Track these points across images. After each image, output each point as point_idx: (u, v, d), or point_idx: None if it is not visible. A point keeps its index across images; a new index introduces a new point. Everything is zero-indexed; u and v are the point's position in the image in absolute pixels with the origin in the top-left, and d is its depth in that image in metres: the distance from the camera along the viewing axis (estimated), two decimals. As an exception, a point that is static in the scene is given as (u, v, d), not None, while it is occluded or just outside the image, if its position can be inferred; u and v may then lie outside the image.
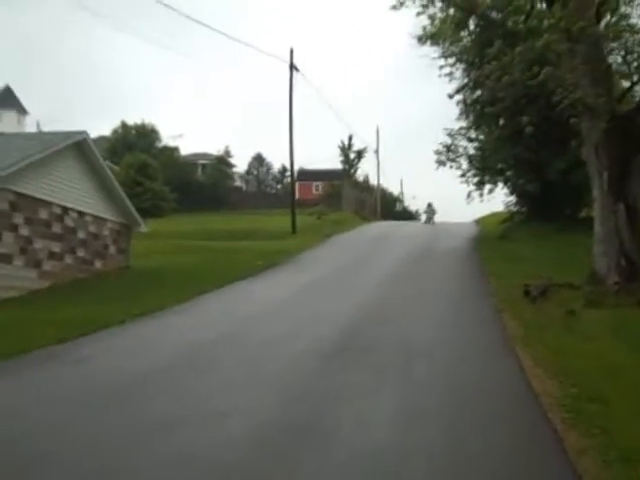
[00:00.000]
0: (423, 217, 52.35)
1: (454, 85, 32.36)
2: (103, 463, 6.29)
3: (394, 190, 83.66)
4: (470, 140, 35.77)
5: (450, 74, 31.78)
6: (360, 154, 70.65)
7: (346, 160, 70.49)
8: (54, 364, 10.68)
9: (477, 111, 32.88)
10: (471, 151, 35.80)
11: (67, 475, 6.05)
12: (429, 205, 51.34)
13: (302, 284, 20.15)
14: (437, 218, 49.76)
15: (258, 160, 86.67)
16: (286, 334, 12.67)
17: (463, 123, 35.09)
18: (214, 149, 72.81)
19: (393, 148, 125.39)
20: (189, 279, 21.35)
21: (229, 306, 16.70)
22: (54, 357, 11.15)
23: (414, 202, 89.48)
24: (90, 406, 8.24)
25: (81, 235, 23.07)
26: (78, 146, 22.79)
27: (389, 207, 72.63)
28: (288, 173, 77.29)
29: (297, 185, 54.33)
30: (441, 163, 35.72)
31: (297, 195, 49.96)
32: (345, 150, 70.35)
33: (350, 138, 70.06)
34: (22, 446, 6.79)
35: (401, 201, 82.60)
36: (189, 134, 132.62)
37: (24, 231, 19.98)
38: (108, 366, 10.41)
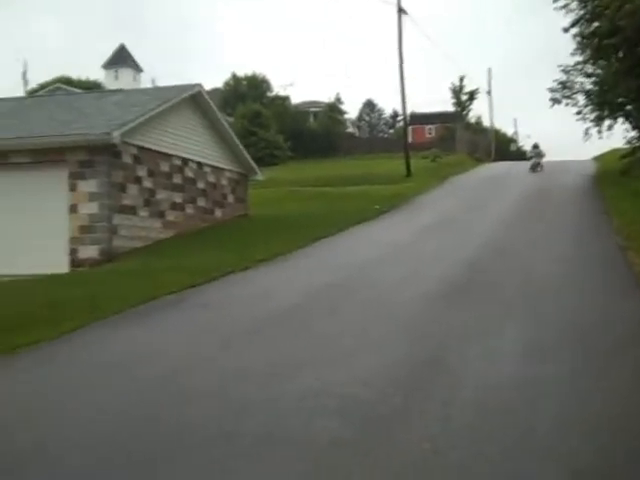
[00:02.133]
0: (531, 161, 40.72)
1: (569, 18, 31.24)
2: (245, 394, 6.55)
3: (508, 130, 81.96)
4: (587, 75, 34.56)
5: (565, 6, 30.67)
6: (472, 95, 69.22)
7: (458, 102, 69.22)
8: (186, 308, 11.11)
9: (594, 44, 31.65)
10: (588, 86, 34.63)
11: (219, 404, 6.30)
12: (535, 147, 42.70)
13: (421, 226, 20.14)
14: (552, 157, 45.63)
15: (369, 106, 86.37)
16: (409, 275, 12.76)
17: (579, 58, 33.90)
18: (325, 97, 72.89)
19: (505, 88, 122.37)
20: (307, 225, 21.62)
21: (350, 250, 16.88)
22: (185, 301, 11.58)
23: (529, 142, 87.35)
24: (227, 344, 8.56)
25: (201, 185, 23.65)
26: (194, 98, 23.25)
27: (503, 148, 71.18)
28: (399, 118, 76.86)
29: (409, 129, 53.83)
30: (556, 101, 34.74)
31: (410, 139, 49.49)
32: (457, 92, 69.06)
33: (461, 79, 68.73)
34: (171, 382, 7.13)
35: (515, 141, 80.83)
36: (299, 83, 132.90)
37: (147, 183, 20.61)
38: (237, 309, 10.75)
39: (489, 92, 67.05)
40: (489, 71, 69.67)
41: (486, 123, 70.65)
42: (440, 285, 11.59)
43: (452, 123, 63.39)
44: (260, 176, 27.69)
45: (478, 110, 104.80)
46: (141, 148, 20.24)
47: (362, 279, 12.76)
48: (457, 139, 58.06)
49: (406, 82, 42.61)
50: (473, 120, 70.88)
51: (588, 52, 32.91)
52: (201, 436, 5.52)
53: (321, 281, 12.60)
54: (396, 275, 12.87)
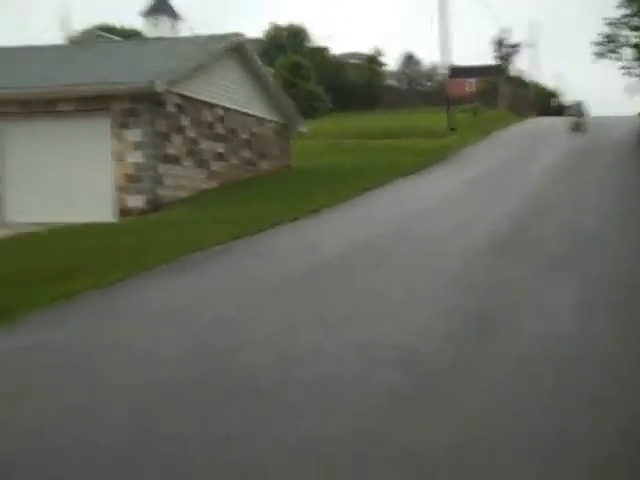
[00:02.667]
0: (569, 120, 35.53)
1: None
2: (295, 344, 6.48)
3: (549, 85, 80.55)
4: (635, 29, 33.69)
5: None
6: (514, 49, 68.12)
7: (500, 55, 68.14)
8: (235, 259, 11.08)
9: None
10: (634, 40, 33.76)
11: (269, 354, 6.24)
12: (578, 104, 37.71)
13: (465, 180, 19.92)
14: (596, 113, 41.84)
15: (409, 58, 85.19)
16: (455, 228, 12.61)
17: (626, 10, 32.99)
18: (365, 49, 72.09)
19: (549, 41, 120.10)
20: (351, 177, 21.45)
21: (395, 203, 16.75)
22: (233, 252, 11.55)
23: (570, 98, 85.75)
24: (276, 295, 8.51)
25: (244, 136, 23.51)
26: (237, 48, 23.02)
27: (545, 103, 70.02)
28: (439, 71, 75.99)
29: (450, 82, 53.07)
30: (600, 55, 34.01)
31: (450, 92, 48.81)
32: (499, 45, 67.96)
33: (504, 32, 67.57)
34: (221, 331, 7.09)
35: (557, 96, 79.45)
36: (339, 34, 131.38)
37: (191, 133, 20.51)
38: (286, 260, 10.68)
39: (532, 45, 65.95)
40: (533, 23, 68.55)
41: (528, 77, 69.57)
42: (488, 238, 11.45)
43: (493, 77, 62.44)
44: (303, 128, 27.50)
45: (520, 64, 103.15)
46: (184, 97, 20.11)
47: (409, 231, 12.65)
48: (499, 93, 57.20)
49: (447, 34, 41.90)
50: (515, 74, 69.78)
51: (635, 5, 32.11)
52: (252, 385, 5.46)
53: (369, 233, 12.49)
54: (443, 228, 12.74)
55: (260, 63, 24.44)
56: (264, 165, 24.62)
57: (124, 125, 18.69)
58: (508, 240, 11.33)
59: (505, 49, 68.47)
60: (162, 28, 67.18)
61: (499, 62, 68.68)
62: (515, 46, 68.34)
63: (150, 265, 10.33)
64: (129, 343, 6.83)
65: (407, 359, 5.96)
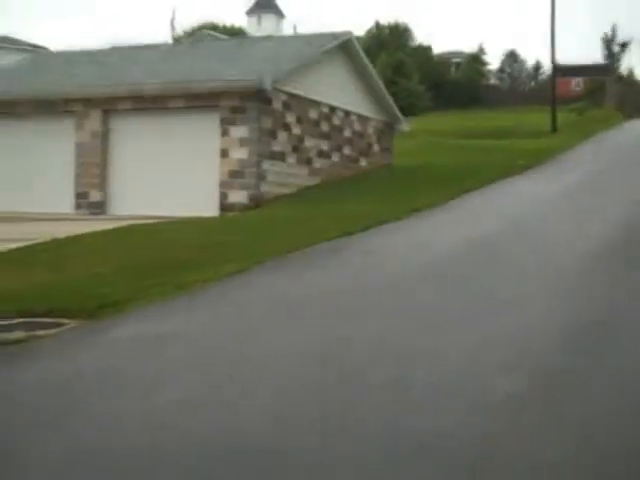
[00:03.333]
0: None
1: None
2: (411, 342, 6.57)
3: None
4: None
5: None
6: (625, 46, 66.23)
7: (609, 53, 66.36)
8: (346, 255, 11.26)
9: None
10: None
11: (383, 350, 6.37)
12: None
13: (568, 183, 19.63)
14: None
15: (511, 57, 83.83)
16: (561, 232, 12.48)
17: None
18: (467, 47, 71.46)
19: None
20: (452, 177, 21.38)
21: (498, 204, 16.66)
22: (344, 249, 11.72)
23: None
24: (393, 291, 8.62)
25: (347, 134, 23.72)
26: (344, 46, 23.23)
27: (655, 103, 68.00)
28: (543, 69, 74.56)
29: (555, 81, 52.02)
30: None
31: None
32: (608, 42, 66.19)
33: (614, 29, 65.81)
34: (338, 325, 7.27)
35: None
36: (441, 32, 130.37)
37: (296, 130, 20.82)
38: (395, 256, 10.81)
39: (643, 42, 63.96)
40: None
41: (638, 76, 67.68)
42: (597, 244, 11.28)
43: (601, 76, 60.92)
44: (405, 126, 27.56)
45: (631, 62, 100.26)
46: (291, 95, 20.43)
47: (516, 234, 12.57)
48: (607, 92, 55.87)
49: (554, 31, 41.14)
50: (625, 72, 67.92)
51: None
52: (367, 382, 5.52)
53: (476, 234, 12.45)
54: (550, 231, 12.63)
55: (367, 62, 24.58)
56: (366, 163, 24.77)
57: (231, 121, 19.11)
58: (619, 247, 11.20)
59: (615, 46, 66.63)
60: (266, 26, 67.96)
61: (608, 60, 66.88)
62: (625, 44, 66.47)
63: (261, 259, 10.58)
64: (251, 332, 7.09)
65: (526, 361, 5.99)
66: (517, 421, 4.73)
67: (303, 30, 63.78)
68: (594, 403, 5.04)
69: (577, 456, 4.17)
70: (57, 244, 12.90)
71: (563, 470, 3.99)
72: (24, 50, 35.95)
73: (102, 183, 20.43)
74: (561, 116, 41.45)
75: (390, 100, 26.09)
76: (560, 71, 64.25)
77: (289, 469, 4.09)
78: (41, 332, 7.52)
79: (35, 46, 38.01)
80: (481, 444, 4.36)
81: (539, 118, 41.49)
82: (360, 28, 63.25)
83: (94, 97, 20.34)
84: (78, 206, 20.41)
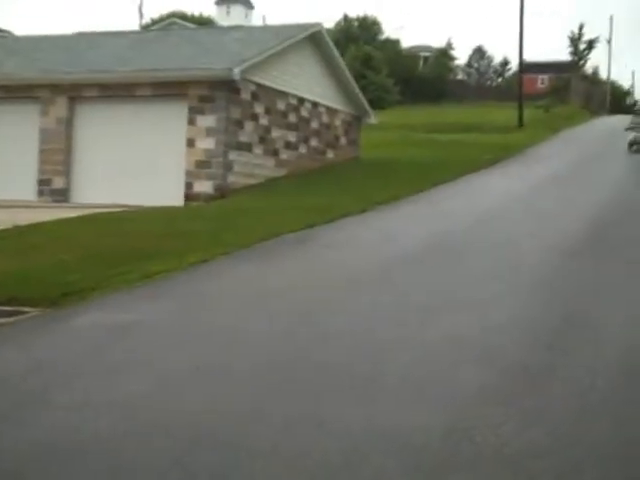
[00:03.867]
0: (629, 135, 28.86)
1: None
2: (380, 335, 6.55)
3: (625, 83, 79.17)
4: None
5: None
6: (591, 44, 66.79)
7: (575, 51, 66.92)
8: (309, 247, 11.23)
9: None
10: None
11: (355, 344, 6.35)
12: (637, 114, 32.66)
13: (535, 178, 19.82)
14: None
15: (479, 52, 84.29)
16: (529, 228, 12.54)
17: None
18: (435, 42, 71.68)
19: (626, 38, 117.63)
20: (419, 171, 21.47)
21: (465, 198, 16.74)
22: (307, 241, 11.71)
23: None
24: (354, 284, 8.60)
25: (314, 125, 23.66)
26: (313, 38, 23.15)
27: (618, 101, 68.82)
28: (509, 66, 75.05)
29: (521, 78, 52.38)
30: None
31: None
32: (575, 40, 66.72)
33: (581, 28, 66.34)
34: (305, 320, 7.25)
35: (631, 94, 78.00)
36: (410, 26, 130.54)
37: (264, 121, 20.72)
38: (360, 250, 10.81)
39: (609, 41, 64.71)
40: (611, 18, 67.34)
41: (603, 74, 68.45)
42: (563, 239, 11.37)
43: (567, 73, 61.48)
44: (373, 119, 27.55)
45: (595, 60, 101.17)
46: (259, 85, 20.32)
47: (482, 227, 12.63)
48: (572, 90, 56.37)
49: (522, 28, 41.42)
50: (590, 71, 68.62)
51: None
52: (343, 375, 5.51)
53: (441, 228, 12.51)
54: (516, 226, 12.71)
55: (336, 54, 24.53)
56: (333, 155, 24.74)
57: (199, 111, 18.97)
58: (586, 242, 11.30)
59: (581, 45, 67.18)
60: (235, 16, 67.64)
61: (574, 58, 67.43)
62: (591, 42, 67.07)
63: (225, 250, 10.53)
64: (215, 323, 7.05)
65: (496, 356, 6.00)
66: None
67: (272, 22, 63.63)
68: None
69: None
70: (19, 232, 12.72)
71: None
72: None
73: (66, 170, 20.17)
74: (527, 112, 41.78)
75: (359, 93, 26.08)
76: (527, 68, 64.91)
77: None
78: (0, 320, 7.42)
79: (-1, 30, 37.38)
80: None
81: (506, 114, 41.78)
82: (329, 21, 63.31)
83: (60, 83, 20.05)
84: (40, 193, 20.15)
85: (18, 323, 7.39)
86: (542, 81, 67.52)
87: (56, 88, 20.11)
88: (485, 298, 7.91)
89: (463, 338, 6.39)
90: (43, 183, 20.20)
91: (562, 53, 67.83)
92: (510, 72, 74.52)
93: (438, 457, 4.08)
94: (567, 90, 56.64)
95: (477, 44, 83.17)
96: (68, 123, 20.20)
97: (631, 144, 27.75)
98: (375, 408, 4.82)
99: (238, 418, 4.68)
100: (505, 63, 79.96)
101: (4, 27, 38.84)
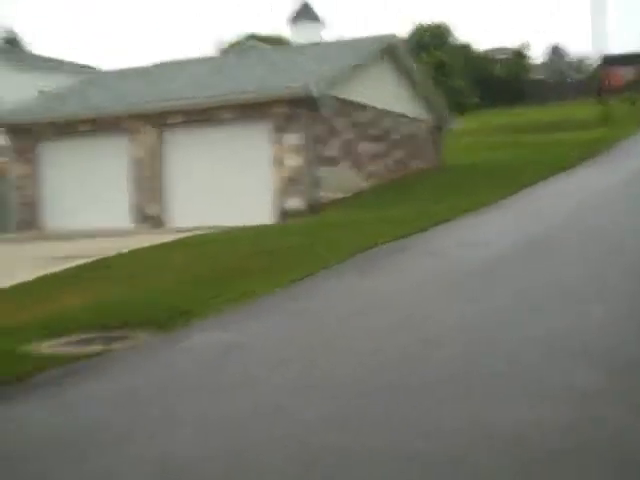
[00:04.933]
0: None
1: None
2: (482, 338, 6.56)
3: None
4: None
5: None
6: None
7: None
8: (409, 256, 11.28)
9: None
10: None
11: (461, 348, 6.39)
12: None
13: (628, 172, 19.37)
14: None
15: (556, 50, 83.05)
16: (628, 223, 12.34)
17: None
18: (511, 43, 70.88)
19: None
20: (506, 174, 21.27)
21: (558, 198, 16.51)
22: (405, 250, 11.76)
23: None
24: (458, 291, 8.62)
25: (397, 136, 23.73)
26: (389, 49, 23.27)
27: None
28: (589, 61, 73.60)
29: (603, 71, 51.40)
30: None
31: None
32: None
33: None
34: (414, 328, 7.29)
35: None
36: (485, 29, 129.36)
37: (347, 135, 20.88)
38: (458, 256, 10.79)
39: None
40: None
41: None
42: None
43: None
44: (455, 125, 27.46)
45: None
46: (339, 100, 20.49)
47: (578, 229, 12.40)
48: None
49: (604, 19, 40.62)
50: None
51: None
52: (449, 374, 5.56)
53: (535, 230, 12.36)
54: (615, 224, 12.48)
55: (412, 63, 24.58)
56: (416, 164, 24.74)
57: (282, 130, 19.25)
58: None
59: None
60: (308, 33, 68.18)
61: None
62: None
63: (326, 264, 10.64)
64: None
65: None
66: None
67: (343, 36, 63.91)
68: None
69: None
70: (122, 259, 13.11)
71: None
72: (72, 71, 36.44)
73: (158, 196, 20.72)
74: (612, 107, 40.90)
75: (439, 99, 26.05)
76: (609, 60, 63.54)
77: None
78: (116, 345, 7.67)
79: (85, 66, 38.57)
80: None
81: (589, 110, 41.03)
82: (400, 30, 63.21)
83: (146, 113, 20.67)
84: (135, 220, 20.73)
85: (131, 348, 7.62)
86: (626, 74, 65.99)
87: (143, 118, 20.71)
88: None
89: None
90: (137, 210, 20.78)
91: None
92: (590, 68, 73.14)
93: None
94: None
95: (554, 42, 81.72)
96: (156, 151, 20.76)
97: None
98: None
99: (351, 444, 4.75)
100: (584, 59, 78.56)
101: (91, 64, 40.06)
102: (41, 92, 27.39)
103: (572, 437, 4.27)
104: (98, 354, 7.31)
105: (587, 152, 25.22)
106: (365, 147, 21.73)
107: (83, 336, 8.05)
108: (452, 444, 4.31)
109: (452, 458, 4.12)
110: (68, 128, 21.75)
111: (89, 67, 38.33)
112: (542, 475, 3.86)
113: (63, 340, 7.93)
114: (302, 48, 28.60)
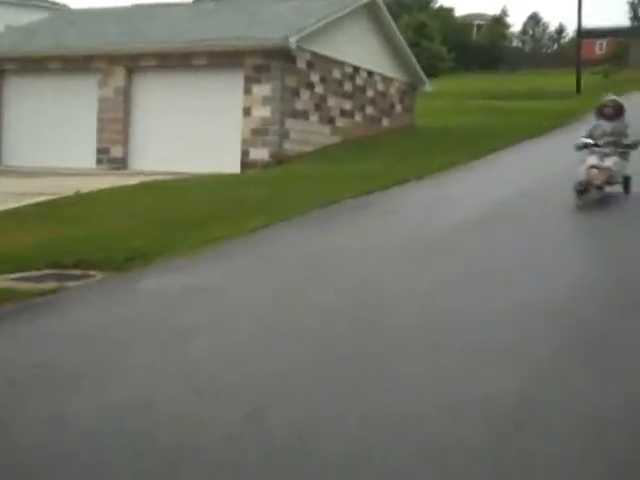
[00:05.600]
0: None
1: None
2: (447, 304, 6.54)
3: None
4: None
5: None
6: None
7: (635, 16, 65.39)
8: (370, 213, 11.27)
9: None
10: None
11: (419, 312, 6.41)
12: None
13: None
14: None
15: (534, 19, 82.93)
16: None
17: None
18: (489, 9, 70.65)
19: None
20: (475, 138, 21.20)
21: (523, 164, 16.55)
22: (365, 207, 11.74)
23: None
24: (418, 252, 8.59)
25: (370, 94, 23.57)
26: (368, 6, 23.00)
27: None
28: (565, 32, 73.69)
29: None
30: None
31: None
32: (635, 5, 65.18)
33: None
34: (371, 284, 7.31)
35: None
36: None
37: (319, 89, 20.71)
38: (422, 216, 10.79)
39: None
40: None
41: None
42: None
43: (626, 38, 60.07)
44: (428, 87, 27.33)
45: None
46: (315, 54, 20.29)
47: (545, 193, 12.32)
48: (631, 56, 55.11)
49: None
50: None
51: None
52: (407, 345, 5.43)
53: (502, 194, 12.26)
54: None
55: (391, 22, 24.36)
56: (387, 123, 24.64)
57: (255, 80, 19.04)
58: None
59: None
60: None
61: (635, 23, 65.75)
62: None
63: (286, 215, 10.62)
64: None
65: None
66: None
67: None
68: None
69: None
70: (82, 198, 12.97)
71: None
72: (44, 7, 35.67)
73: (124, 139, 20.46)
74: (585, 79, 40.97)
75: (414, 61, 25.87)
76: (584, 33, 63.47)
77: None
78: (70, 283, 7.61)
79: (54, 3, 37.73)
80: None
81: (563, 80, 41.07)
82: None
83: (118, 54, 20.30)
84: (99, 161, 20.47)
85: (87, 286, 7.57)
86: (600, 47, 66.12)
87: (114, 59, 20.35)
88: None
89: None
90: (102, 152, 20.51)
91: (622, 19, 66.21)
92: (566, 39, 73.24)
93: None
94: (626, 56, 55.40)
95: (532, 11, 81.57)
96: (126, 93, 20.45)
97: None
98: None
99: (306, 379, 4.76)
100: (561, 30, 78.61)
101: (61, 1, 39.24)
102: (8, 27, 26.72)
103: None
104: (52, 291, 7.24)
105: (558, 121, 25.26)
106: (337, 102, 21.57)
107: (37, 273, 7.98)
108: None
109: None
110: (36, 65, 21.27)
111: (60, 4, 37.54)
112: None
113: (17, 275, 7.86)
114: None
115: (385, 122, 24.50)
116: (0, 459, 3.81)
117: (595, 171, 10.53)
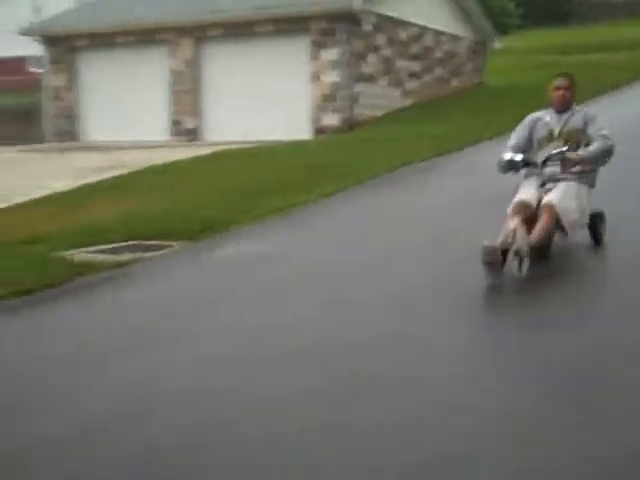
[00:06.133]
0: None
1: None
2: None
3: None
4: None
5: None
6: None
7: None
8: (443, 174, 11.17)
9: None
10: None
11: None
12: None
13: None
14: None
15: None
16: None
17: None
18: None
19: None
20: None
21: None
22: (440, 168, 11.64)
23: None
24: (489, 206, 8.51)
25: (438, 54, 23.24)
26: (435, -37, 22.65)
27: None
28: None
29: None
30: None
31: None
32: None
33: None
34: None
35: None
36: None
37: (386, 52, 20.49)
38: (488, 178, 10.63)
39: None
40: None
41: None
42: None
43: None
44: (498, 44, 26.83)
45: None
46: (380, 16, 20.05)
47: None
48: None
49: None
50: None
51: None
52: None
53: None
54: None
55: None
56: (457, 83, 24.27)
57: (321, 45, 18.95)
58: None
59: None
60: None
61: None
62: None
63: (359, 180, 10.60)
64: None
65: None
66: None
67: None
68: None
69: None
70: (157, 170, 13.15)
71: None
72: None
73: (196, 110, 20.63)
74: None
75: (482, 17, 25.37)
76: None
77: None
78: (149, 254, 7.74)
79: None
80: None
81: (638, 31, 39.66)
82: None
83: (185, 25, 20.40)
84: (173, 133, 20.69)
85: (166, 256, 7.70)
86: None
87: (181, 30, 20.46)
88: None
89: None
90: (175, 123, 20.73)
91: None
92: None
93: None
94: None
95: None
96: (195, 64, 20.57)
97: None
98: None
99: (368, 350, 4.78)
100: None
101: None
102: (79, 2, 27.10)
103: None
104: (130, 262, 7.39)
105: (635, 74, 24.45)
106: (404, 65, 21.32)
107: (116, 245, 8.13)
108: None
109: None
110: (106, 39, 21.50)
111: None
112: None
113: (96, 248, 8.02)
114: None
115: (455, 82, 24.15)
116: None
117: (516, 222, 5.86)
